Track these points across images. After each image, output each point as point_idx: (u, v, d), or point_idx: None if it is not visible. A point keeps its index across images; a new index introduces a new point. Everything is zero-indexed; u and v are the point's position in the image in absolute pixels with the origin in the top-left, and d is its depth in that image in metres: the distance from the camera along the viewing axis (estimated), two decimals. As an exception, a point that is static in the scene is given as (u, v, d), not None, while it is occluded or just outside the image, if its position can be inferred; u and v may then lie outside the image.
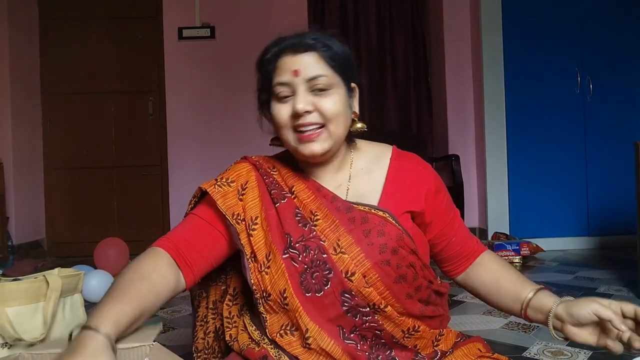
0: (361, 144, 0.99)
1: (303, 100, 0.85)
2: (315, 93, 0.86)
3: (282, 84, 0.86)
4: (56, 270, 1.49)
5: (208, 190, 0.92)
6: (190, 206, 0.98)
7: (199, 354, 1.03)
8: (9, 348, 1.26)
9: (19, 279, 1.39)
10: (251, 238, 0.88)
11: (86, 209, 3.92)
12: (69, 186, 3.94)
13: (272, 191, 0.92)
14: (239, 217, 0.90)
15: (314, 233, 0.86)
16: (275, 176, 0.95)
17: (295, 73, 0.85)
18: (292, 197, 0.91)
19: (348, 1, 4.20)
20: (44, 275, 1.36)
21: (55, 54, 3.94)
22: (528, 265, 2.91)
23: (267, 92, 0.91)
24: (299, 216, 0.89)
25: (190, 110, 3.95)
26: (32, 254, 3.55)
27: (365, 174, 0.95)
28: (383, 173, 0.94)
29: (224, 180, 0.94)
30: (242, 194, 0.92)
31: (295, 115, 0.85)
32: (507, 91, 3.49)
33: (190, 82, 3.95)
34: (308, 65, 0.85)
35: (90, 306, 2.20)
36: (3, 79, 3.53)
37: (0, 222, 3.27)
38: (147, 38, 3.98)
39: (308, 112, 0.85)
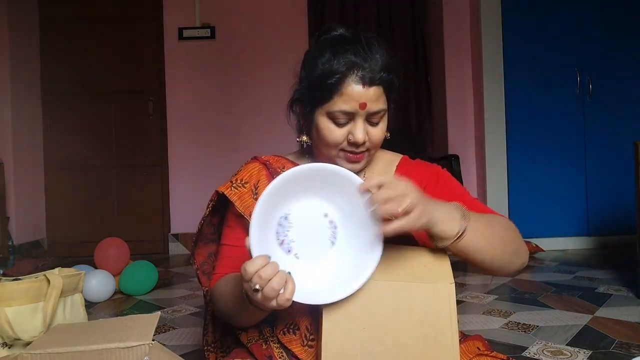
0: (380, 150, 1.03)
1: (362, 131, 0.88)
2: (369, 122, 0.90)
3: (345, 112, 0.87)
4: (57, 270, 1.49)
5: (225, 193, 0.95)
6: (208, 209, 1.01)
7: (208, 347, 1.06)
8: (9, 348, 1.26)
9: (19, 279, 1.39)
10: None
11: (86, 209, 3.92)
12: (69, 186, 3.93)
13: None
14: None
15: None
16: None
17: (362, 106, 0.87)
18: None
19: (348, 2, 4.20)
20: (44, 275, 1.37)
21: (55, 54, 3.93)
22: (528, 265, 2.90)
23: (314, 102, 0.90)
24: None
25: (191, 110, 3.95)
26: (32, 254, 3.55)
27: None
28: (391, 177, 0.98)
29: (238, 181, 0.97)
30: (256, 193, 0.95)
31: (351, 142, 0.89)
32: (506, 91, 3.49)
33: (190, 82, 3.95)
34: (374, 100, 0.87)
35: (90, 306, 2.21)
36: (3, 79, 3.53)
37: (0, 222, 3.27)
38: (147, 38, 3.98)
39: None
